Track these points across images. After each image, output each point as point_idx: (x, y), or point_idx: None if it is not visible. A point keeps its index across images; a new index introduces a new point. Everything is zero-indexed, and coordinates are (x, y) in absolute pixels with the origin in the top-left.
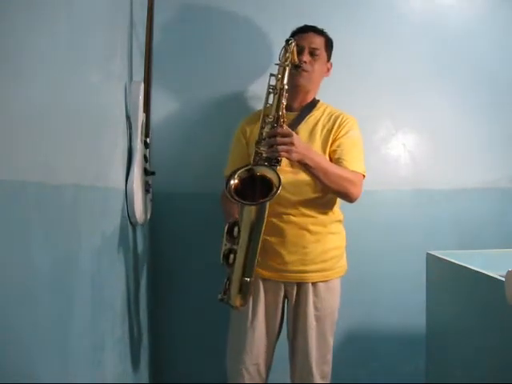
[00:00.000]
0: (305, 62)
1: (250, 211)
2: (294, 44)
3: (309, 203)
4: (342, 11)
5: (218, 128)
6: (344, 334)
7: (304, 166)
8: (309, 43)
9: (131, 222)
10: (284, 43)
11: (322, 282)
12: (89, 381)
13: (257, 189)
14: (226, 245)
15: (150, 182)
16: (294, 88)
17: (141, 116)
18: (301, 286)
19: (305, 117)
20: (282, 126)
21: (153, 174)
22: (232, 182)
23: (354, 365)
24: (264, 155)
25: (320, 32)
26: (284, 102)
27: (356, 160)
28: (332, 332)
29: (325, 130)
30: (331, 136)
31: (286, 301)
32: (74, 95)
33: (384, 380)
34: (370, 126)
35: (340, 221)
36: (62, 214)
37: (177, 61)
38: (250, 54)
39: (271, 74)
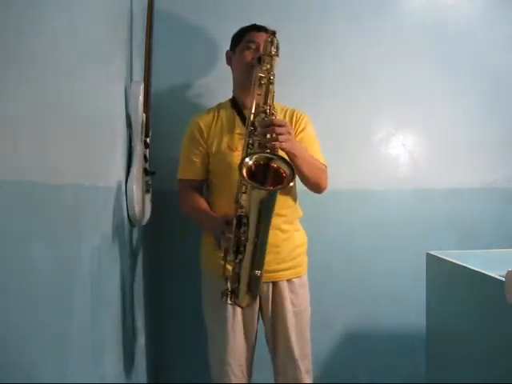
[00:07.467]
0: None
1: (260, 199)
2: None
3: (279, 201)
4: (343, 13)
5: None
6: (343, 333)
7: (292, 155)
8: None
9: (131, 222)
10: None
11: (295, 278)
12: (88, 381)
13: (267, 179)
14: (234, 239)
15: (150, 182)
16: (250, 84)
17: (141, 116)
18: (276, 284)
19: None
20: (274, 116)
21: (153, 173)
22: (248, 162)
23: (353, 364)
24: (256, 145)
25: (272, 33)
26: (273, 91)
27: (319, 153)
28: (308, 326)
29: None
30: None
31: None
32: (74, 95)
33: (383, 380)
34: (370, 125)
35: (300, 217)
36: (62, 213)
37: (177, 61)
38: None
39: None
